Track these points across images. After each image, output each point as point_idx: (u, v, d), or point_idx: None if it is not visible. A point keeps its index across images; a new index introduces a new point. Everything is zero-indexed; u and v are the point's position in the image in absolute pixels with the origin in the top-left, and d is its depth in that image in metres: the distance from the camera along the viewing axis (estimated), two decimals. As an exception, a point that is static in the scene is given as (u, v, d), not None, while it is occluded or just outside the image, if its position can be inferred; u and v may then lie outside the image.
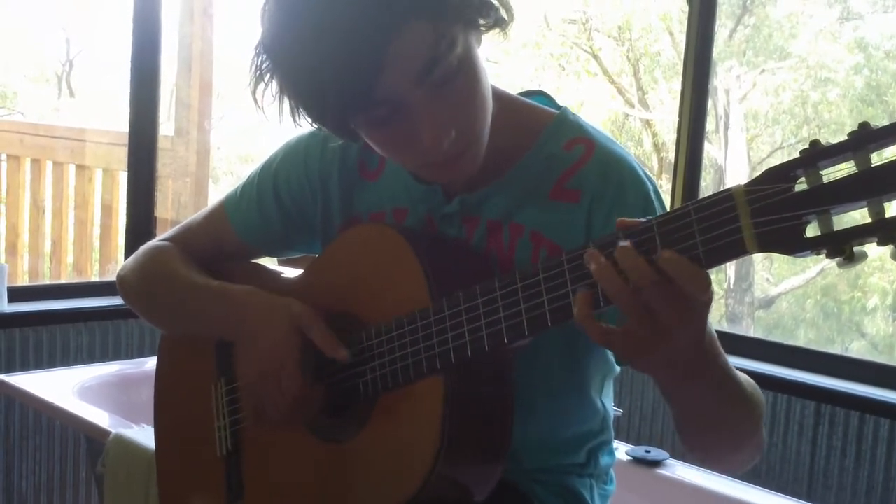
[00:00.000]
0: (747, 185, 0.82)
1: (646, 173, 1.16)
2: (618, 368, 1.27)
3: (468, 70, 1.03)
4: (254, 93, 1.08)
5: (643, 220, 0.89)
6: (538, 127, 1.19)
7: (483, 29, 1.05)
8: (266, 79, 1.06)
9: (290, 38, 1.00)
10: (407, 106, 1.02)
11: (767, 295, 5.85)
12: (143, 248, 1.40)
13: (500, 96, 1.16)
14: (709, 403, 1.01)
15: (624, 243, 0.87)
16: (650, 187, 1.15)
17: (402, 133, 1.05)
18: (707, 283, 0.86)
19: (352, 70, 0.98)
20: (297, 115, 1.07)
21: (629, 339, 0.90)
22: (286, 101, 1.07)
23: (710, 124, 4.58)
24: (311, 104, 1.05)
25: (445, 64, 1.00)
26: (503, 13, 1.05)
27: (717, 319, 5.05)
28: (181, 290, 1.31)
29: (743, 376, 1.05)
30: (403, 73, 0.99)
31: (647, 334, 0.89)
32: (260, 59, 1.06)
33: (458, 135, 1.05)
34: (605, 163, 1.15)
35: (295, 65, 1.02)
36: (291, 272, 1.32)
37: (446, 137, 1.04)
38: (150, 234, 2.98)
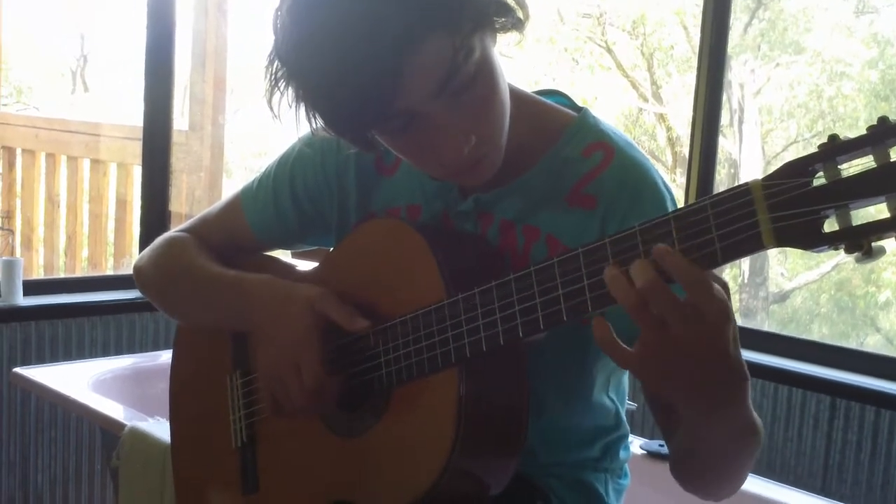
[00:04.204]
0: (765, 179, 0.82)
1: (664, 182, 1.15)
2: None
3: (486, 74, 1.02)
4: (269, 101, 1.06)
5: (660, 216, 0.88)
6: (557, 129, 1.18)
7: (499, 28, 1.04)
8: (281, 87, 1.05)
9: (306, 51, 0.99)
10: (425, 116, 1.01)
11: (782, 289, 5.83)
12: (159, 239, 1.41)
13: (517, 95, 1.14)
14: (727, 443, 1.00)
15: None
16: (668, 197, 1.14)
17: (420, 141, 1.04)
18: (705, 287, 0.84)
19: (369, 86, 0.96)
20: (313, 122, 1.06)
21: (647, 353, 0.88)
22: (302, 109, 1.05)
23: (724, 118, 4.57)
24: (328, 116, 1.04)
25: (463, 73, 0.99)
26: (519, 13, 1.04)
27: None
28: (197, 281, 1.31)
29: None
30: (421, 87, 0.98)
31: (661, 349, 0.87)
32: (275, 66, 1.05)
33: (478, 140, 1.04)
34: (623, 170, 1.14)
35: (311, 78, 1.01)
36: (306, 265, 1.32)
37: (466, 145, 1.03)
38: (164, 228, 2.99)
